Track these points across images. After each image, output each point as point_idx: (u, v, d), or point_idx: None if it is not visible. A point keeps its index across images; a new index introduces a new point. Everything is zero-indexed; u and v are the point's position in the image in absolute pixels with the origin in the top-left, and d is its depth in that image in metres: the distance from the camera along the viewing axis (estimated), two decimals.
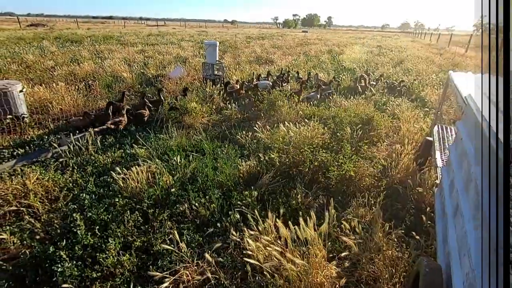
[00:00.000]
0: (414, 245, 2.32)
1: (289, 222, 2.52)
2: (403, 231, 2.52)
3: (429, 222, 2.62)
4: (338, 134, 4.11)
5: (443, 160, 3.25)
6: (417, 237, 2.39)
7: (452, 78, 3.56)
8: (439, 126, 4.17)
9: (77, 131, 4.48)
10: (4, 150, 3.81)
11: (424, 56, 15.46)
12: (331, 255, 2.28)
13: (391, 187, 3.24)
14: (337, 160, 3.39)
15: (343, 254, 2.14)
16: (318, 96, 6.31)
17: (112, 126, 4.52)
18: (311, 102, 6.02)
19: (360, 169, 3.34)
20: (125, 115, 4.75)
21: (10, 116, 4.54)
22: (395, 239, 2.40)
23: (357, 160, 3.45)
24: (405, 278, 2.06)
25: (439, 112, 4.19)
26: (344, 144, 3.72)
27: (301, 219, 2.11)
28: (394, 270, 2.09)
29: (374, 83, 7.48)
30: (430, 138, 3.66)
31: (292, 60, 12.57)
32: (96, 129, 4.38)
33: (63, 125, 4.85)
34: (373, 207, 2.83)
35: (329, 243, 2.32)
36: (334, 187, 3.24)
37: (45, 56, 10.34)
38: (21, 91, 4.83)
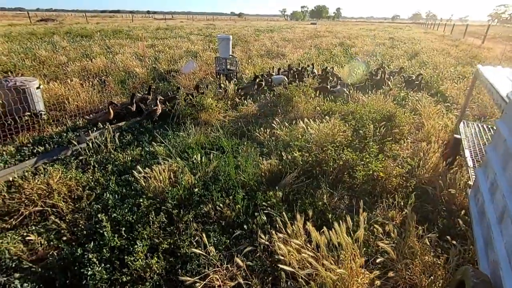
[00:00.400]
0: (451, 250, 2.22)
1: (319, 225, 2.47)
2: (436, 235, 2.42)
3: (463, 225, 2.51)
4: (360, 131, 3.98)
5: (473, 160, 3.12)
6: (453, 241, 2.29)
7: (482, 73, 3.38)
8: (465, 123, 4.01)
9: (99, 126, 4.45)
10: (24, 148, 3.81)
11: (439, 48, 15.02)
12: (364, 259, 2.19)
13: (419, 188, 3.12)
14: (362, 159, 3.28)
15: (378, 260, 2.06)
16: (346, 90, 6.16)
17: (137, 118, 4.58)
18: (328, 98, 5.87)
19: (387, 169, 3.23)
20: (159, 104, 4.96)
21: (29, 113, 4.54)
22: (429, 243, 2.30)
23: (383, 159, 3.34)
24: (446, 286, 1.96)
25: (467, 109, 4.01)
26: (368, 142, 3.60)
27: (335, 224, 2.02)
28: (433, 277, 2.00)
29: (392, 77, 7.25)
30: (458, 136, 3.51)
31: (304, 54, 12.34)
32: (129, 122, 4.43)
33: (82, 121, 4.84)
34: (403, 209, 2.74)
35: (363, 248, 2.24)
36: (360, 187, 3.14)
37: (57, 52, 10.37)
38: (38, 87, 4.83)
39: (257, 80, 6.43)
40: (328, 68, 7.76)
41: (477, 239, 2.12)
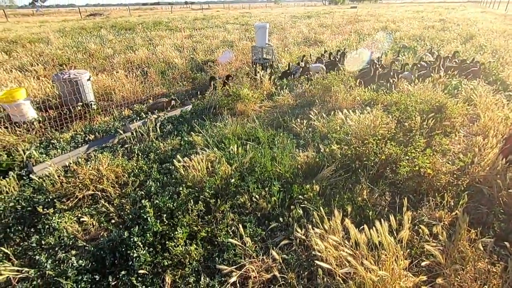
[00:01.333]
0: (510, 258, 2.00)
1: (358, 222, 2.38)
2: (492, 240, 2.20)
3: None
4: (405, 123, 3.71)
5: None
6: None
7: None
8: None
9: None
10: (77, 136, 4.16)
11: (500, 29, 13.34)
12: (408, 262, 2.07)
13: (472, 187, 2.84)
14: (407, 154, 3.07)
15: (423, 263, 1.93)
16: (412, 76, 5.80)
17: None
18: (368, 86, 5.55)
19: (435, 165, 2.99)
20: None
21: (81, 104, 4.93)
22: (482, 248, 2.10)
23: (431, 154, 3.09)
24: None
25: None
26: (414, 135, 3.35)
27: (377, 222, 1.92)
28: (487, 287, 1.83)
29: (451, 65, 6.59)
30: None
31: (343, 40, 11.76)
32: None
33: (127, 111, 5.13)
34: (454, 209, 2.52)
35: (407, 249, 2.11)
36: (403, 183, 2.95)
37: (104, 45, 11.06)
38: (88, 79, 5.20)
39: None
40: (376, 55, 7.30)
41: None
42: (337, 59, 7.10)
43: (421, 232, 2.16)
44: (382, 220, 1.97)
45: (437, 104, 4.22)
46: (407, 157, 3.06)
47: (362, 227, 2.01)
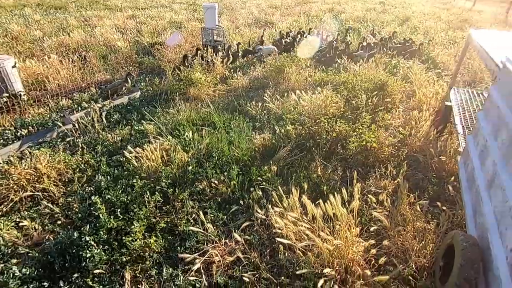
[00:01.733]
0: (441, 215, 2.30)
1: (314, 198, 2.51)
2: (427, 201, 2.50)
3: (453, 191, 2.59)
4: (353, 102, 3.94)
5: (463, 126, 3.16)
6: (443, 207, 2.37)
7: (475, 38, 3.32)
8: (455, 90, 4.01)
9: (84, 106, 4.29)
10: (6, 131, 3.65)
11: (430, 12, 14.66)
12: (358, 229, 2.26)
13: (411, 156, 3.17)
14: (355, 130, 3.28)
15: (372, 229, 2.13)
16: (366, 54, 6.02)
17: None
18: (325, 66, 5.74)
19: (379, 139, 3.25)
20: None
21: (7, 94, 4.29)
22: (420, 210, 2.38)
23: (375, 129, 3.35)
24: (435, 249, 2.06)
25: (459, 75, 3.99)
26: (361, 112, 3.59)
27: (330, 196, 2.05)
28: (424, 242, 2.08)
29: (393, 45, 7.03)
30: (449, 103, 3.52)
31: (293, 21, 11.87)
32: None
33: (66, 101, 4.62)
34: (396, 178, 2.79)
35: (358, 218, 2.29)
36: (353, 158, 3.17)
37: (31, 26, 9.67)
38: (14, 66, 4.53)
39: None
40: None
41: (466, 204, 2.19)
42: (297, 40, 7.21)
43: (369, 201, 2.36)
44: (335, 193, 2.11)
45: (380, 83, 4.54)
46: (355, 133, 3.28)
47: (318, 201, 2.13)
